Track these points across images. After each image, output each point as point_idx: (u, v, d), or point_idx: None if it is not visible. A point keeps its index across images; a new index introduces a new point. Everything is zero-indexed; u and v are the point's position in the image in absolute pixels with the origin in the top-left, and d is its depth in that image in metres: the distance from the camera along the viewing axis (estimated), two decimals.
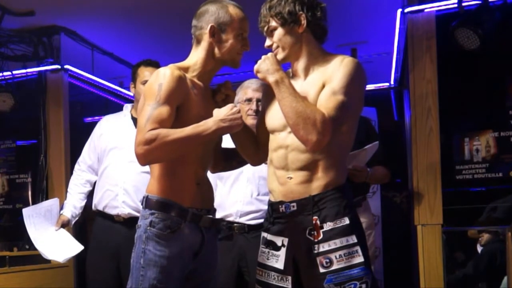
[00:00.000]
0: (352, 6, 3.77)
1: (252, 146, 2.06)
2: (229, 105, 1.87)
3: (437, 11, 3.21)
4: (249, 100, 2.71)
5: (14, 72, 4.01)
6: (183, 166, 1.90)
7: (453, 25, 2.95)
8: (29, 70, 4.12)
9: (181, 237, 1.88)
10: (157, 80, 1.84)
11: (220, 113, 1.85)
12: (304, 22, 1.89)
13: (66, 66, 4.11)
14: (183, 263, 1.89)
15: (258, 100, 2.69)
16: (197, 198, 1.93)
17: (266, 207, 2.58)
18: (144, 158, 1.81)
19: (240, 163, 2.22)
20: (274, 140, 1.95)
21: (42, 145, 4.04)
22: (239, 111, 1.86)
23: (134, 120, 3.02)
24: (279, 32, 1.91)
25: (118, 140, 2.96)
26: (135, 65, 3.08)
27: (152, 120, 1.79)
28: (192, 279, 1.95)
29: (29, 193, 4.10)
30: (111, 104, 4.86)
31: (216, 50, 1.94)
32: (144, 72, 2.99)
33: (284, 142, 1.90)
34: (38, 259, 3.14)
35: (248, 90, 2.72)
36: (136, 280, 1.86)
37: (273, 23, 1.91)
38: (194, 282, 1.96)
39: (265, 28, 1.94)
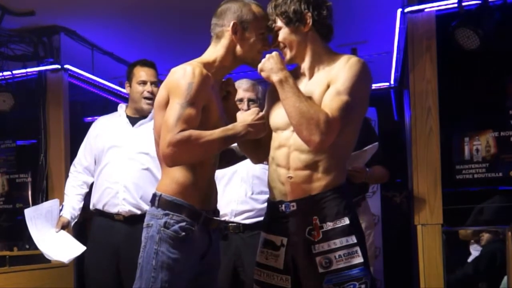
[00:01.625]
0: (352, 6, 3.77)
1: (253, 143, 2.06)
2: (254, 110, 1.87)
3: (437, 11, 3.20)
4: (240, 100, 2.73)
5: (14, 72, 4.01)
6: (201, 168, 1.88)
7: (453, 25, 2.95)
8: (29, 70, 4.11)
9: (193, 240, 1.86)
10: (186, 78, 1.81)
11: (247, 118, 1.84)
12: (309, 21, 1.87)
13: (66, 66, 4.11)
14: (192, 265, 1.88)
15: (249, 100, 2.72)
16: (208, 200, 1.93)
17: (260, 206, 2.63)
18: (172, 159, 1.78)
19: (229, 163, 2.22)
20: (277, 139, 1.94)
21: (42, 145, 4.04)
22: (263, 117, 1.86)
23: (130, 119, 3.03)
24: (285, 31, 1.90)
25: (115, 139, 2.96)
26: (131, 65, 3.08)
27: (182, 121, 1.76)
28: (198, 280, 1.94)
29: (29, 193, 4.10)
30: (111, 104, 4.85)
31: (238, 48, 1.93)
32: (140, 72, 2.99)
33: (287, 141, 1.90)
34: (38, 259, 3.15)
35: (239, 90, 2.73)
36: (147, 281, 1.83)
37: (279, 23, 1.90)
38: (199, 282, 1.95)
39: (271, 27, 1.93)
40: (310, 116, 1.74)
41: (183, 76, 1.82)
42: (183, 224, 1.83)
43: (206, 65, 1.91)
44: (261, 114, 1.86)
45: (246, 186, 2.74)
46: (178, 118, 1.76)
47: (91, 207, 3.04)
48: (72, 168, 3.17)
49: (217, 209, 2.02)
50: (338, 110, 1.76)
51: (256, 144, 2.05)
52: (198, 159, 1.85)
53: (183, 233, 1.83)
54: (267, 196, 2.73)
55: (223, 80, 2.05)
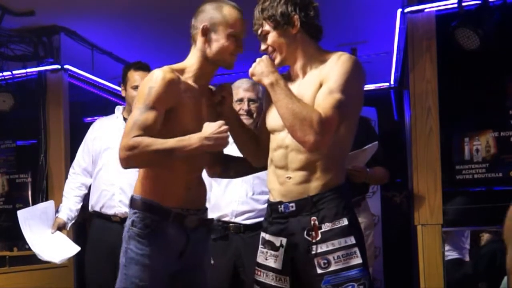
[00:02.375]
0: (352, 6, 3.77)
1: (253, 146, 2.06)
2: (218, 122, 1.84)
3: (437, 11, 3.20)
4: (241, 100, 2.73)
5: (14, 72, 4.01)
6: (170, 168, 1.90)
7: (453, 25, 2.95)
8: (29, 70, 4.11)
9: (163, 237, 1.88)
10: (148, 83, 1.84)
11: (206, 130, 1.82)
12: (297, 23, 1.87)
13: (66, 66, 4.11)
14: (166, 262, 1.90)
15: (249, 100, 2.72)
16: (184, 199, 1.93)
17: (261, 206, 2.63)
18: (125, 163, 1.84)
19: (238, 174, 2.22)
20: (274, 140, 1.94)
21: (42, 145, 4.04)
22: (226, 130, 1.83)
23: (126, 121, 3.04)
24: (273, 35, 1.89)
25: (111, 141, 2.97)
26: (125, 68, 3.09)
27: (138, 126, 1.80)
28: (180, 279, 1.96)
29: (29, 193, 4.10)
30: (111, 104, 4.84)
31: (208, 50, 1.92)
32: (134, 77, 2.99)
33: (283, 142, 1.90)
34: (38, 259, 3.16)
35: (239, 90, 2.74)
36: (121, 279, 1.89)
37: (266, 27, 1.89)
38: (182, 282, 1.97)
39: (259, 32, 1.92)
40: (303, 116, 1.73)
41: (147, 81, 1.85)
42: (147, 220, 1.87)
43: (180, 70, 1.92)
44: (223, 127, 1.82)
45: (247, 187, 2.74)
46: (134, 123, 1.81)
47: (89, 208, 3.07)
48: (71, 170, 3.19)
49: (202, 208, 2.02)
50: (331, 109, 1.75)
51: (255, 147, 2.05)
52: (152, 165, 1.89)
53: (148, 230, 1.87)
54: (267, 196, 2.76)
55: (221, 84, 2.03)
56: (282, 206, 1.88)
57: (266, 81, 1.83)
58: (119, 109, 3.13)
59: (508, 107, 3.09)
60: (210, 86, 2.08)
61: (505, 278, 3.10)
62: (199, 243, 1.97)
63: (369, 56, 4.55)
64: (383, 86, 5.15)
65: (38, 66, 4.10)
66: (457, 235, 3.75)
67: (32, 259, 3.44)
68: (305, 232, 1.84)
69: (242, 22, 1.93)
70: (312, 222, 1.83)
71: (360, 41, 4.38)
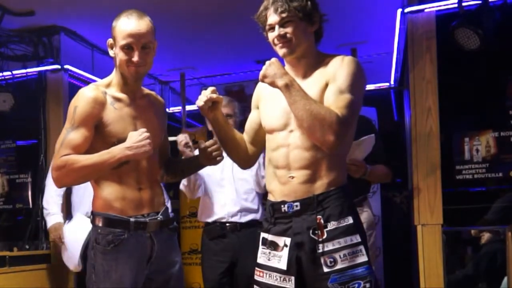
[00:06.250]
0: (352, 6, 3.77)
1: (243, 149, 2.07)
2: (140, 131, 1.88)
3: (437, 11, 3.21)
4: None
5: (14, 72, 4.03)
6: (120, 184, 1.93)
7: (453, 25, 2.96)
8: (29, 70, 4.12)
9: (127, 248, 1.91)
10: (74, 102, 1.90)
11: (128, 140, 1.86)
12: (317, 21, 1.90)
13: (66, 66, 4.12)
14: (135, 272, 1.92)
15: (227, 115, 2.80)
16: (141, 204, 1.95)
17: (249, 204, 2.91)
18: (57, 182, 1.89)
19: (175, 176, 2.25)
20: (274, 140, 1.94)
21: (42, 145, 4.05)
22: (147, 137, 1.86)
23: None
24: (297, 25, 1.86)
25: None
26: None
27: (65, 146, 1.85)
28: (154, 279, 1.99)
29: (29, 193, 4.11)
30: None
31: (116, 63, 1.96)
32: None
33: (285, 141, 1.89)
34: (38, 259, 3.19)
35: None
36: None
37: (292, 15, 1.86)
38: (157, 281, 1.99)
39: (284, 15, 1.86)
40: (323, 117, 1.74)
41: (73, 101, 1.91)
42: (109, 236, 1.90)
43: (107, 84, 1.97)
44: (144, 135, 1.86)
45: (234, 188, 2.97)
46: (61, 144, 1.86)
47: (73, 213, 3.30)
48: (48, 181, 3.45)
49: (163, 209, 2.02)
50: (346, 108, 1.77)
51: (245, 151, 2.07)
52: (83, 181, 1.96)
53: (112, 245, 1.90)
54: (254, 193, 2.98)
55: (205, 90, 2.02)
56: (286, 205, 1.88)
57: (281, 82, 1.81)
58: None
59: (508, 107, 3.10)
60: (150, 92, 2.11)
61: (505, 278, 3.10)
62: (164, 243, 2.00)
63: (369, 56, 4.55)
64: (383, 86, 5.16)
65: (38, 66, 4.11)
66: None
67: (32, 259, 3.46)
68: (311, 231, 1.84)
69: (133, 31, 1.91)
70: (318, 221, 1.83)
71: (360, 41, 4.38)
